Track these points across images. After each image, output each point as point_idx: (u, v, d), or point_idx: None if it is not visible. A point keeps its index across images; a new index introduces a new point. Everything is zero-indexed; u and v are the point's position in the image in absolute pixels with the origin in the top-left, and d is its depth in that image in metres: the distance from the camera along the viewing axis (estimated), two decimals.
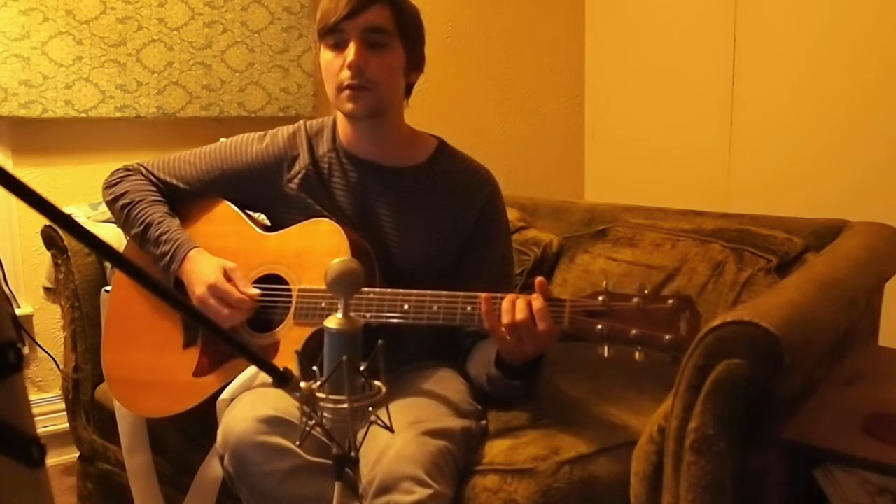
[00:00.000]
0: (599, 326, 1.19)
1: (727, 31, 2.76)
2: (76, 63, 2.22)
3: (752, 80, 2.73)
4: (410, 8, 1.47)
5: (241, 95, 2.48)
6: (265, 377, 1.36)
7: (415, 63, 1.48)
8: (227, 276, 1.45)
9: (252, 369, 1.40)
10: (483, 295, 1.26)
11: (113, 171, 1.62)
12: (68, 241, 1.87)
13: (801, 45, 2.61)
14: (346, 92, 1.42)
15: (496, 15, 3.02)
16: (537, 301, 1.22)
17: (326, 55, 1.43)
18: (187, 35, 2.37)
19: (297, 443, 1.21)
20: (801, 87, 2.61)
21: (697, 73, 2.87)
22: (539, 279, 1.26)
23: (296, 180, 1.53)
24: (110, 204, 1.60)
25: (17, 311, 2.29)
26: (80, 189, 2.30)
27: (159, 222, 1.52)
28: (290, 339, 1.41)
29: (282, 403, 1.27)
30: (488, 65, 3.04)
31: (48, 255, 1.97)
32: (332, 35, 1.41)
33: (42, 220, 1.93)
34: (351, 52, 1.39)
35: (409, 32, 1.45)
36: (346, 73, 1.40)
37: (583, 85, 3.24)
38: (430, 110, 2.62)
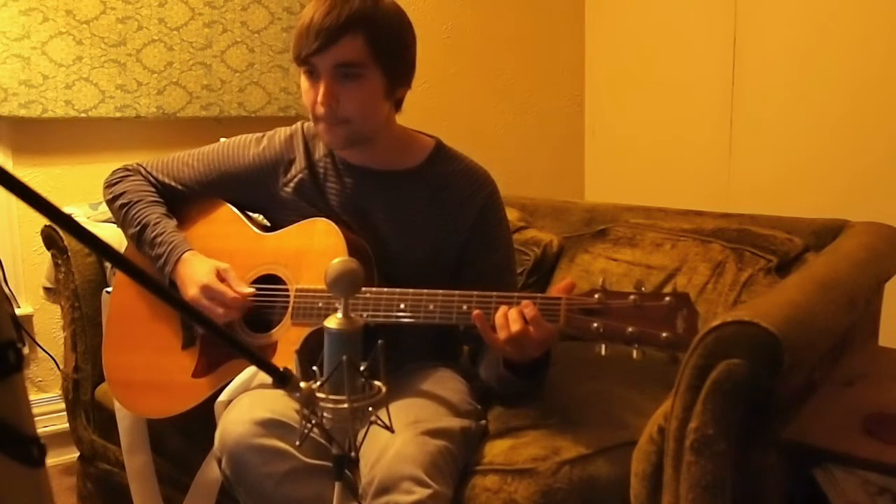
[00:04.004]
0: (595, 325, 1.18)
1: (727, 31, 2.76)
2: (76, 63, 2.22)
3: (752, 81, 2.73)
4: (388, 26, 1.38)
5: (241, 95, 2.48)
6: (263, 378, 1.37)
7: (398, 81, 1.43)
8: (221, 277, 1.45)
9: (250, 370, 1.40)
10: (475, 312, 1.25)
11: (113, 171, 1.62)
12: (68, 241, 1.87)
13: (801, 45, 2.61)
14: (322, 124, 1.41)
15: (496, 15, 3.02)
16: (530, 310, 1.21)
17: (304, 81, 1.42)
18: (187, 35, 2.37)
19: (297, 443, 1.21)
20: (801, 88, 2.61)
21: (697, 73, 2.87)
22: (569, 281, 1.26)
23: (291, 184, 1.53)
24: (110, 203, 1.61)
25: (17, 311, 2.29)
26: (80, 189, 2.30)
27: (155, 223, 1.52)
28: (287, 339, 1.41)
29: (279, 406, 1.27)
30: (488, 65, 3.03)
31: (48, 255, 1.97)
32: (305, 65, 1.39)
33: (42, 220, 1.93)
34: (321, 90, 1.37)
35: (388, 54, 1.38)
36: (319, 108, 1.39)
37: (583, 85, 3.24)
38: (430, 110, 2.62)
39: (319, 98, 1.37)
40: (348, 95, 1.38)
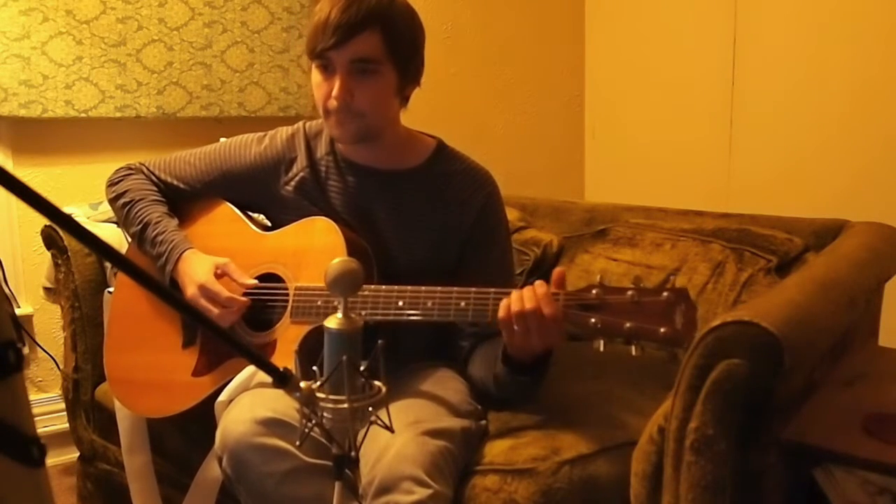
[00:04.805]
0: (593, 320, 1.18)
1: (727, 31, 2.76)
2: (76, 63, 2.22)
3: (752, 80, 2.73)
4: (403, 24, 1.41)
5: (241, 95, 2.48)
6: (263, 377, 1.37)
7: (409, 79, 1.45)
8: (221, 272, 1.45)
9: (249, 370, 1.40)
10: (502, 303, 1.24)
11: (116, 170, 1.63)
12: (68, 241, 1.87)
13: (801, 45, 2.61)
14: (333, 118, 1.42)
15: (496, 15, 3.02)
16: (541, 287, 1.22)
17: (316, 76, 1.42)
18: (187, 35, 2.37)
19: (297, 443, 1.21)
20: (801, 87, 2.61)
21: (697, 73, 2.87)
22: (558, 270, 1.26)
23: (293, 183, 1.54)
24: (112, 202, 1.61)
25: (17, 311, 2.29)
26: (80, 189, 2.30)
27: (157, 222, 1.53)
28: (287, 338, 1.41)
29: (279, 405, 1.27)
30: (488, 65, 3.04)
31: (48, 255, 1.97)
32: (320, 59, 1.40)
33: (42, 220, 1.93)
34: (336, 84, 1.37)
35: (402, 53, 1.40)
36: (333, 102, 1.39)
37: (583, 85, 3.24)
38: (430, 110, 2.61)
39: (335, 92, 1.38)
40: (363, 90, 1.39)
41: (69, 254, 1.87)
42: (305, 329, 1.38)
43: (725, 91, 2.79)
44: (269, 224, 1.60)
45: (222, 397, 1.38)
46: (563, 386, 1.52)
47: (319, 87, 1.41)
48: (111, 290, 1.71)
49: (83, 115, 2.25)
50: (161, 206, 1.56)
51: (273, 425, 1.25)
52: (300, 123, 1.59)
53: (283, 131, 1.58)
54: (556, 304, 1.21)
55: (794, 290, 1.21)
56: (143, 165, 1.62)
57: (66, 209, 2.01)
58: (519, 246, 1.94)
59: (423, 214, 1.50)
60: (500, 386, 1.41)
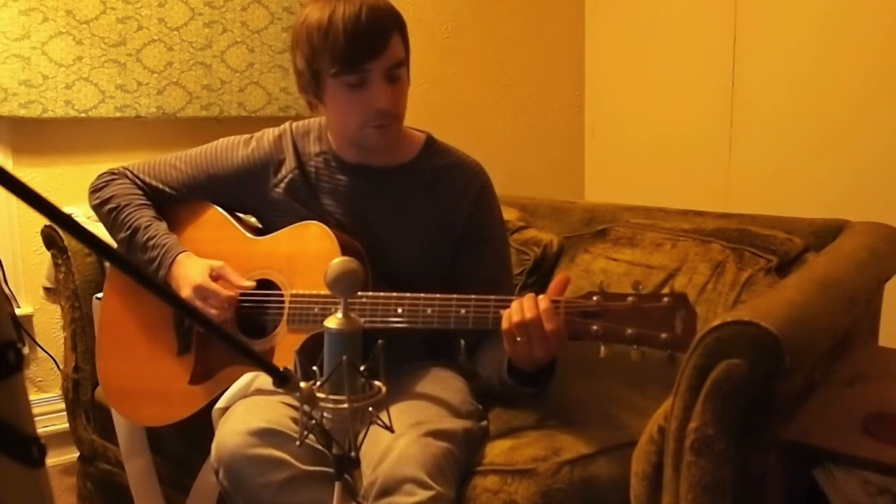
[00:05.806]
0: (595, 327, 1.18)
1: (727, 31, 2.76)
2: (76, 63, 2.22)
3: (752, 80, 2.73)
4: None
5: (241, 95, 2.48)
6: (261, 383, 1.37)
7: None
8: (217, 275, 1.44)
9: (247, 377, 1.40)
10: (504, 313, 1.24)
11: (98, 175, 1.60)
12: (68, 241, 1.87)
13: (801, 45, 2.61)
14: (373, 130, 1.40)
15: (496, 15, 3.02)
16: (544, 301, 1.21)
17: (342, 94, 1.39)
18: (187, 35, 2.37)
19: (298, 444, 1.21)
20: (801, 87, 2.61)
21: (697, 73, 2.87)
22: (562, 276, 1.26)
23: (282, 184, 1.52)
24: (97, 208, 1.58)
25: (17, 311, 2.29)
26: (80, 189, 2.27)
27: (146, 227, 1.50)
28: (285, 346, 1.40)
29: (273, 414, 1.27)
30: (488, 65, 3.03)
31: (48, 255, 1.97)
32: (353, 75, 1.36)
33: (42, 220, 1.93)
34: (380, 97, 1.36)
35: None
36: (373, 114, 1.38)
37: (583, 85, 3.24)
38: (430, 110, 2.62)
39: (385, 103, 1.36)
40: (398, 94, 1.40)
41: (69, 254, 1.87)
42: (303, 337, 1.37)
43: (725, 91, 2.79)
44: (259, 226, 1.58)
45: (220, 404, 1.38)
46: (563, 386, 1.52)
47: (352, 103, 1.39)
48: (100, 295, 1.67)
49: (83, 115, 2.25)
50: (148, 210, 1.54)
51: (267, 435, 1.24)
52: (286, 124, 1.57)
53: (270, 133, 1.56)
54: (558, 318, 1.20)
55: (793, 290, 1.21)
56: (127, 170, 1.59)
57: (66, 209, 2.01)
58: (519, 246, 1.94)
59: (417, 209, 1.49)
60: (506, 391, 1.40)
